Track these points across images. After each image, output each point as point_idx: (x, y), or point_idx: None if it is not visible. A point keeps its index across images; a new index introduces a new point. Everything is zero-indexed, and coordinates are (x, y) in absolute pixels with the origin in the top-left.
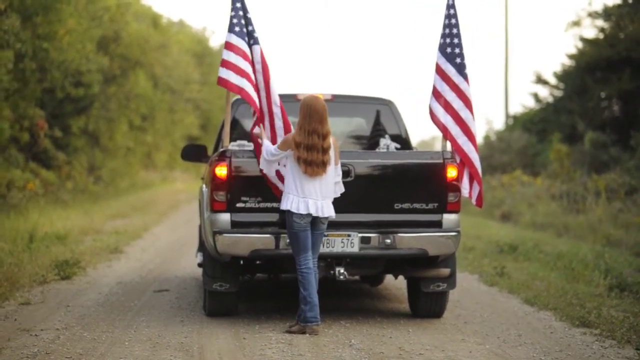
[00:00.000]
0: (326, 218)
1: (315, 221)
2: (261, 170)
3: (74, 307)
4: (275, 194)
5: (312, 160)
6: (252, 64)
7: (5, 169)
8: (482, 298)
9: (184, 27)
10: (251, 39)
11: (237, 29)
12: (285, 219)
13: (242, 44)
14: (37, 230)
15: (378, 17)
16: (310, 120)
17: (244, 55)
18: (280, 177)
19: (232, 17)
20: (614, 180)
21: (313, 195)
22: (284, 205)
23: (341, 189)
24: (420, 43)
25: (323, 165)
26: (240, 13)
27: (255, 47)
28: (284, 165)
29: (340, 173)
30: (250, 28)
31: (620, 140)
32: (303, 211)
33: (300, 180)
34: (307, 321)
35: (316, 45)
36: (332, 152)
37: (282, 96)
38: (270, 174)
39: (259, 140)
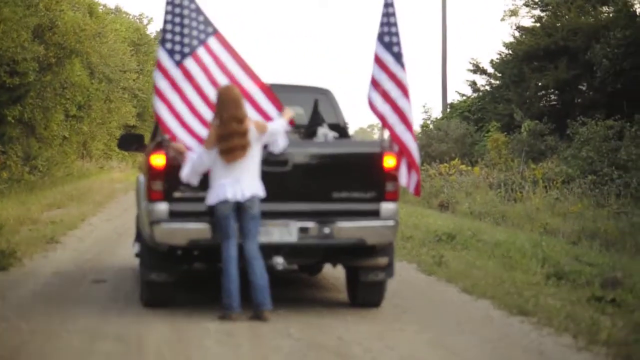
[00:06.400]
0: (251, 201)
1: (242, 206)
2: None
3: (10, 298)
4: None
5: (232, 147)
6: (178, 87)
7: None
8: (421, 287)
9: (120, 14)
10: (201, 34)
11: (168, 45)
12: None
13: (169, 65)
14: None
15: (318, 4)
16: (224, 107)
17: (172, 83)
18: None
19: (165, 22)
20: (551, 169)
21: (230, 181)
22: (207, 201)
23: (283, 143)
24: (360, 31)
25: (242, 149)
26: (177, 11)
27: (211, 39)
28: None
29: (277, 129)
30: (200, 19)
31: (557, 129)
32: (222, 198)
33: (218, 169)
34: (224, 308)
35: (255, 33)
36: (252, 135)
37: None
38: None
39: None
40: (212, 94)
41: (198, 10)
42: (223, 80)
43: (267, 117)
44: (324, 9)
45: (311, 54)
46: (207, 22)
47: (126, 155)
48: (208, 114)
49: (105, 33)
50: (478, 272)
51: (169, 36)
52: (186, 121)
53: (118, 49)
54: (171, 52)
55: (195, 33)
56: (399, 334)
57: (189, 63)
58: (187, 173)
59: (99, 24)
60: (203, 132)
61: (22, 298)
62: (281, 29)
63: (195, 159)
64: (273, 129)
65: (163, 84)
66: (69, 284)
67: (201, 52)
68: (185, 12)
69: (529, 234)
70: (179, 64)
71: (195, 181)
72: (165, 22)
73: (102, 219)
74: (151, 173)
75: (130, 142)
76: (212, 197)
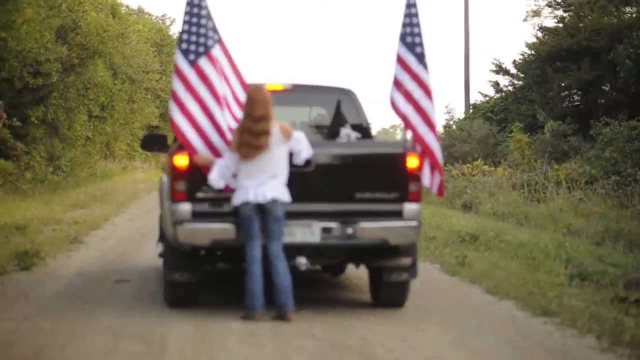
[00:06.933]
0: (273, 203)
1: (264, 208)
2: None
3: (34, 297)
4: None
5: (242, 143)
6: (192, 88)
7: None
8: (444, 288)
9: (143, 15)
10: (209, 40)
11: (183, 45)
12: None
13: (184, 66)
14: None
15: (321, 2)
16: (246, 105)
17: (186, 84)
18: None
19: (183, 22)
20: (574, 169)
21: (254, 182)
22: (232, 201)
23: (307, 154)
24: (362, 29)
25: (255, 148)
26: (196, 11)
27: (214, 48)
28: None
29: (301, 139)
30: (210, 25)
31: (581, 129)
32: (244, 199)
33: (242, 171)
34: (247, 308)
35: (289, 32)
36: (276, 138)
37: None
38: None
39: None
40: (219, 97)
41: (208, 16)
42: (222, 88)
43: None
44: (327, 7)
45: (314, 53)
46: (214, 29)
47: (149, 155)
48: (219, 116)
49: (128, 34)
50: (501, 272)
51: (185, 36)
52: (199, 123)
53: (141, 50)
54: (186, 52)
55: (210, 34)
56: (422, 334)
57: (204, 63)
58: (215, 177)
59: (121, 24)
60: (213, 134)
61: (45, 298)
62: (284, 27)
63: (222, 163)
64: (299, 136)
65: (178, 86)
66: (92, 284)
67: (207, 56)
68: (203, 12)
69: (552, 235)
70: (193, 63)
71: (221, 185)
72: (184, 22)
73: (125, 219)
74: (174, 173)
75: (153, 142)
76: (236, 198)
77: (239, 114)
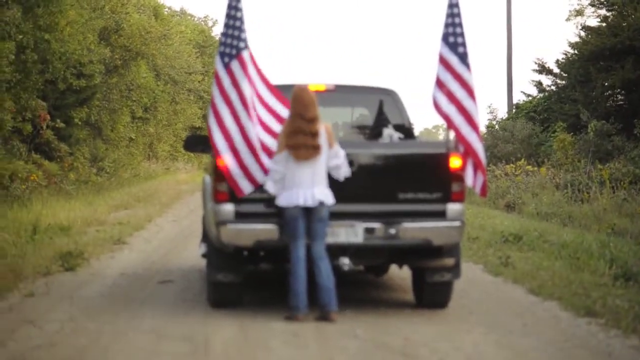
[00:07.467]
0: (322, 205)
1: (310, 210)
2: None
3: (77, 298)
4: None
5: (298, 144)
6: (225, 92)
7: (8, 161)
8: (487, 288)
9: (185, 16)
10: (241, 41)
11: (221, 48)
12: None
13: (220, 68)
14: (41, 221)
15: (384, 6)
16: (294, 106)
17: (220, 88)
18: None
19: (224, 26)
20: (618, 169)
21: (302, 185)
22: (277, 201)
23: (345, 172)
24: (426, 31)
25: (313, 149)
26: (233, 13)
27: (244, 51)
28: None
29: (341, 155)
30: (243, 27)
31: (624, 129)
32: (294, 202)
33: (292, 171)
34: (291, 309)
35: (322, 36)
36: (323, 139)
37: (282, 87)
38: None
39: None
40: (246, 101)
41: (242, 19)
42: (249, 91)
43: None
44: (358, 9)
45: (343, 56)
46: (245, 32)
47: (192, 156)
48: (245, 119)
49: (170, 35)
50: (545, 273)
51: (222, 39)
52: (226, 126)
53: (183, 51)
54: (222, 55)
55: (243, 36)
56: (466, 335)
57: (235, 65)
58: (271, 185)
59: (164, 26)
60: (238, 138)
61: (89, 298)
62: (317, 31)
63: (271, 166)
64: (339, 150)
65: (215, 90)
66: (135, 285)
67: (239, 60)
68: (239, 14)
69: (596, 235)
70: (227, 66)
71: (280, 190)
72: (224, 26)
73: (169, 220)
74: (217, 174)
75: (196, 143)
76: (283, 199)
77: (266, 117)
